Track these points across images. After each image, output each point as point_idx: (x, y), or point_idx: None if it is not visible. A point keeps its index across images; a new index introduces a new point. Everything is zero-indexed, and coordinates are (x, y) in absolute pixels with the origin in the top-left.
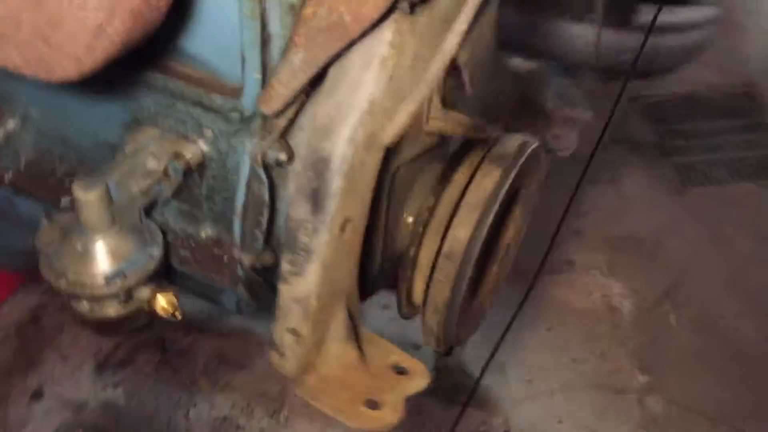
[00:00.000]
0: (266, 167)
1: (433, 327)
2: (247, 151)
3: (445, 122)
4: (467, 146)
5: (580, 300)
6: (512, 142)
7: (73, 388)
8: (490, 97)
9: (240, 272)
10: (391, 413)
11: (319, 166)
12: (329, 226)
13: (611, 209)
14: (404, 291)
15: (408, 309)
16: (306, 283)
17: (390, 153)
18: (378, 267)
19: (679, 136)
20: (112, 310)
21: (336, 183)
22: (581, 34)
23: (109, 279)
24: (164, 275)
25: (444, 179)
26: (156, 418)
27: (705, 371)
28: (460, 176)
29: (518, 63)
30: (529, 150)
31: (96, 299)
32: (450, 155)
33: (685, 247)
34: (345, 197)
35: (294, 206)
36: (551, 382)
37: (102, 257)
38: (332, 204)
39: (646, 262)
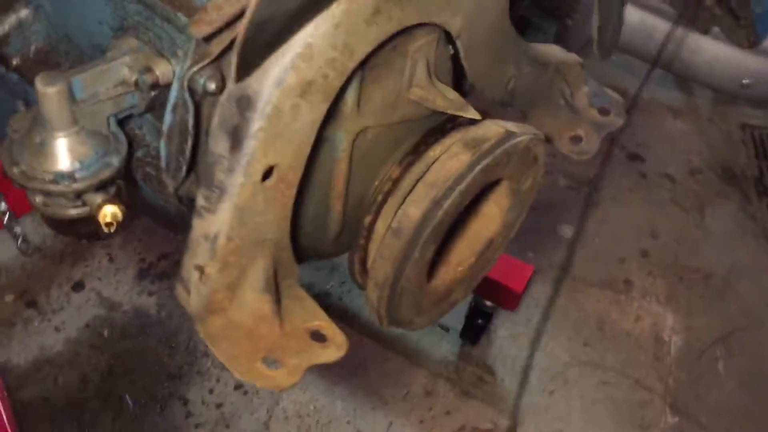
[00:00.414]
0: (193, 93)
1: (374, 302)
2: (178, 75)
3: (429, 92)
4: (449, 123)
5: (628, 323)
6: (495, 128)
7: (111, 288)
8: (496, 79)
9: (169, 198)
10: (286, 377)
11: (243, 102)
12: (245, 168)
13: (687, 238)
14: (358, 259)
15: (361, 279)
16: (217, 221)
17: (351, 111)
18: (336, 230)
19: None
20: (63, 210)
21: (256, 124)
22: (703, 48)
23: (58, 177)
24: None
25: (415, 152)
26: (179, 335)
27: (743, 427)
28: (432, 152)
29: (554, 52)
30: (515, 141)
31: (47, 195)
32: (428, 129)
33: (755, 295)
34: (268, 141)
35: (214, 140)
36: (573, 399)
37: (56, 154)
38: (250, 145)
39: (709, 301)
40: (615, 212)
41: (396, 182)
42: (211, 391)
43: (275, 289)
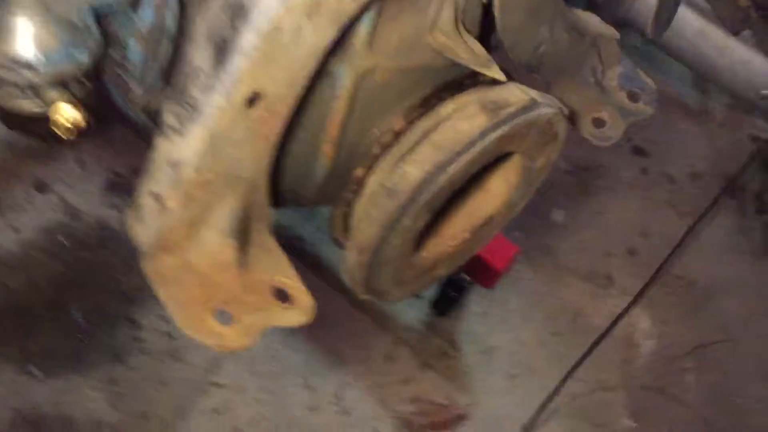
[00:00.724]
0: None
1: (351, 266)
2: None
3: (452, 41)
4: (469, 79)
5: (601, 320)
6: (518, 94)
7: (77, 195)
8: (527, 39)
9: (137, 109)
10: (237, 336)
11: (237, 11)
12: (228, 90)
13: (675, 243)
14: (341, 214)
15: (342, 237)
16: (185, 146)
17: (361, 46)
18: (321, 178)
19: None
20: (16, 102)
21: (248, 40)
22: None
23: (13, 64)
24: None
25: (424, 105)
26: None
27: None
28: (444, 109)
29: (593, 22)
30: (538, 112)
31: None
32: (443, 82)
33: (735, 311)
34: (259, 63)
35: (195, 48)
36: (534, 388)
37: (14, 37)
38: (238, 63)
39: (688, 310)
40: (610, 204)
41: (398, 135)
42: (163, 319)
43: (242, 235)
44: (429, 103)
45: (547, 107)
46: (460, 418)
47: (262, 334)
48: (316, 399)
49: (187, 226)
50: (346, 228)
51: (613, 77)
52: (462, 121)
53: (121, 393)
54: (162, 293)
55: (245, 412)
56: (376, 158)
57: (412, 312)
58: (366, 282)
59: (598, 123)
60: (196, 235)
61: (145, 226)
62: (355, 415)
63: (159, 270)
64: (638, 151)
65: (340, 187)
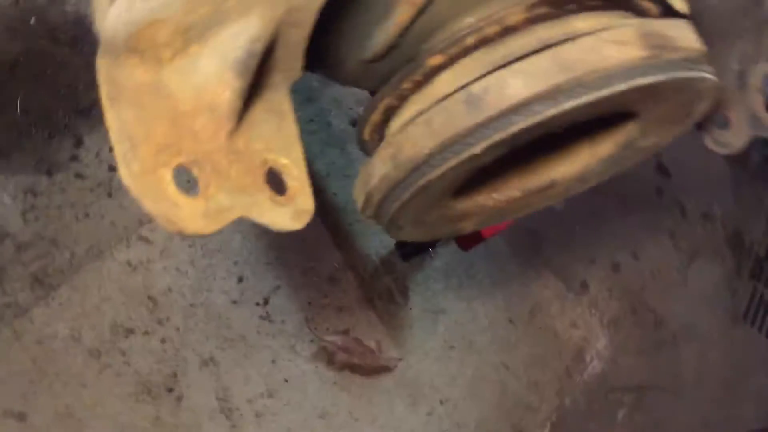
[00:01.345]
0: None
1: (372, 179)
2: None
3: None
4: None
5: (562, 324)
6: (693, 41)
7: None
8: None
9: None
10: (196, 215)
11: None
12: None
13: (663, 276)
14: (384, 108)
15: (373, 138)
16: None
17: None
18: (378, 49)
19: None
20: None
21: None
22: None
23: None
24: None
25: (554, 5)
26: None
27: None
28: (580, 21)
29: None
30: (704, 75)
31: None
32: None
33: (693, 364)
34: None
35: None
36: (467, 365)
37: None
38: None
39: (648, 347)
40: (613, 212)
41: (506, 32)
42: (112, 150)
43: (251, 77)
44: (561, 4)
45: (713, 74)
46: (384, 369)
47: (228, 222)
48: (242, 293)
49: (179, 31)
50: (383, 128)
51: (758, 74)
52: (608, 45)
53: (38, 209)
54: (111, 114)
55: (162, 278)
56: (465, 52)
57: (375, 242)
58: (381, 204)
59: (722, 122)
60: (187, 50)
61: (119, 8)
62: (277, 324)
63: (117, 78)
64: (661, 170)
65: (393, 70)
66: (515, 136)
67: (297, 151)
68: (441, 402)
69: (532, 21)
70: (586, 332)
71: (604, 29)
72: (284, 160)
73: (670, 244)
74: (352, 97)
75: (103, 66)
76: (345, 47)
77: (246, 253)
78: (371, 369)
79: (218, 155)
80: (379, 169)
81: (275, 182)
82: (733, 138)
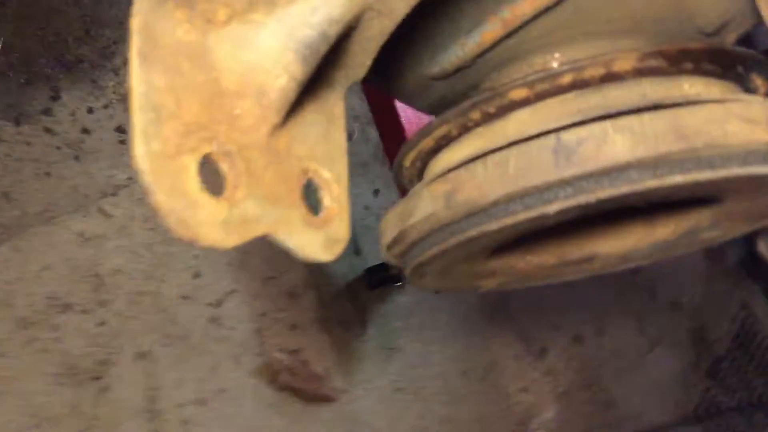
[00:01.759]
0: None
1: (410, 223)
2: None
3: None
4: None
5: (511, 385)
6: None
7: None
8: None
9: None
10: (216, 221)
11: None
12: None
13: (623, 359)
14: (434, 138)
15: (410, 169)
16: None
17: None
18: (454, 64)
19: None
20: None
21: None
22: None
23: None
24: None
25: (660, 58)
26: (105, 28)
27: None
28: (688, 84)
29: None
30: None
31: None
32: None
33: None
34: None
35: None
36: (410, 413)
37: None
38: None
39: (595, 426)
40: (586, 282)
41: (608, 77)
42: (90, 112)
43: (318, 64)
44: (676, 60)
45: None
46: (325, 399)
47: (252, 237)
48: (195, 290)
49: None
50: (430, 158)
51: None
52: (734, 120)
53: None
54: (139, 73)
55: (114, 257)
56: (556, 91)
57: (344, 265)
58: (415, 245)
59: None
60: (248, 16)
61: None
62: (225, 329)
63: (155, 31)
64: None
65: (461, 93)
66: (600, 202)
67: (342, 165)
68: None
69: (641, 72)
70: (536, 399)
71: (729, 100)
72: (327, 174)
73: (636, 327)
74: (351, 111)
75: (141, 12)
76: (412, 56)
77: (206, 252)
78: (313, 396)
79: (255, 152)
80: (426, 205)
81: (310, 195)
82: None
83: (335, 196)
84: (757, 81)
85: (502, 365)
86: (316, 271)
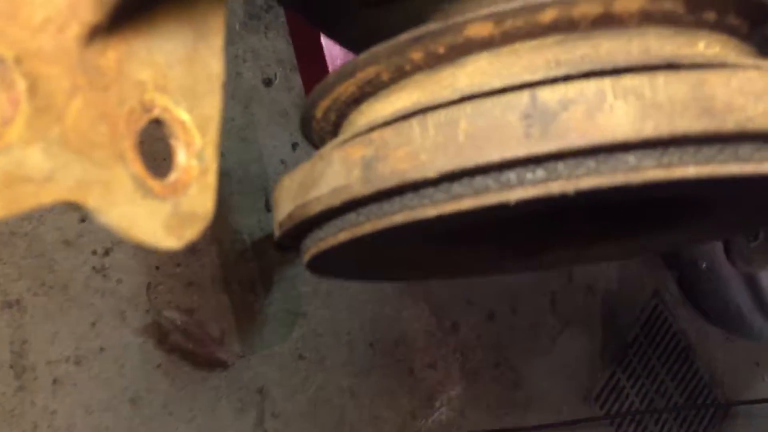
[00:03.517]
0: None
1: (320, 195)
2: None
3: None
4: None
5: (419, 361)
6: None
7: None
8: None
9: None
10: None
11: None
12: None
13: (533, 336)
14: (356, 83)
15: (323, 123)
16: None
17: None
18: None
19: None
20: None
21: None
22: None
23: None
24: None
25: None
26: None
27: None
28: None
29: None
30: None
31: None
32: None
33: None
34: None
35: None
36: (310, 384)
37: None
38: None
39: (500, 405)
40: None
41: (604, 19)
42: None
43: None
44: (698, 6)
45: None
46: (219, 364)
47: (26, 208)
48: (79, 236)
49: None
50: (351, 110)
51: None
52: (757, 97)
53: None
54: None
55: None
56: (533, 31)
57: (252, 221)
58: (316, 227)
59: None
60: None
61: None
62: (111, 281)
63: None
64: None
65: (402, 29)
66: (580, 195)
67: (212, 105)
68: (273, 415)
69: (649, 18)
70: (443, 376)
71: (737, 65)
72: (184, 115)
73: (549, 307)
74: (274, 53)
75: None
76: None
77: None
78: (205, 360)
79: (53, 67)
80: (335, 173)
81: (153, 152)
82: (757, 262)
83: (196, 150)
84: None
85: (411, 338)
86: (220, 225)
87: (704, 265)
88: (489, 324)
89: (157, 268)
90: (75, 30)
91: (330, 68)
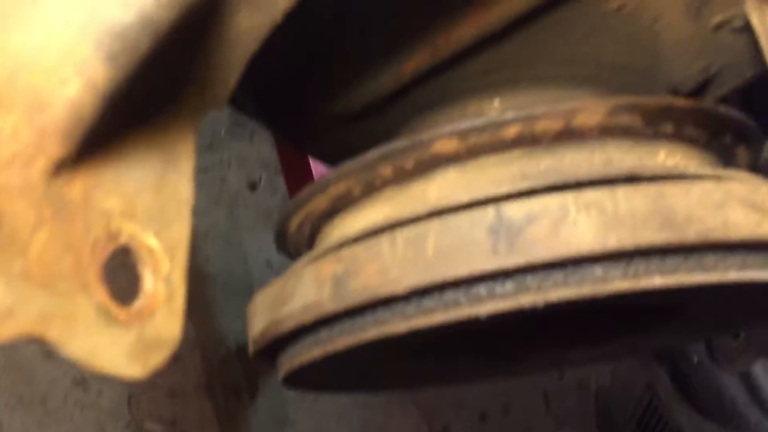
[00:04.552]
0: None
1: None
2: None
3: None
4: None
5: None
6: None
7: None
8: None
9: None
10: None
11: None
12: None
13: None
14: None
15: (297, 236)
16: None
17: None
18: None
19: None
20: None
21: None
22: None
23: None
24: None
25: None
26: None
27: None
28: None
29: None
30: None
31: None
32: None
33: None
34: None
35: None
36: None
37: None
38: None
39: None
40: None
41: (566, 134)
42: None
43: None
44: (655, 119)
45: None
46: None
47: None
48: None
49: None
50: (324, 224)
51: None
52: (737, 207)
53: None
54: None
55: None
56: (496, 147)
57: (237, 326)
58: (290, 343)
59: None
60: None
61: None
62: (92, 394)
63: None
64: None
65: (368, 144)
66: (549, 307)
67: (181, 230)
68: None
69: (608, 132)
70: None
71: (726, 178)
72: (152, 242)
73: (543, 406)
74: (259, 158)
75: None
76: (311, 86)
77: None
78: None
79: (19, 202)
80: (307, 290)
81: (119, 279)
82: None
83: (164, 275)
84: (740, 154)
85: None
86: (204, 330)
87: (696, 359)
88: (481, 426)
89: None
90: (42, 164)
91: (314, 171)
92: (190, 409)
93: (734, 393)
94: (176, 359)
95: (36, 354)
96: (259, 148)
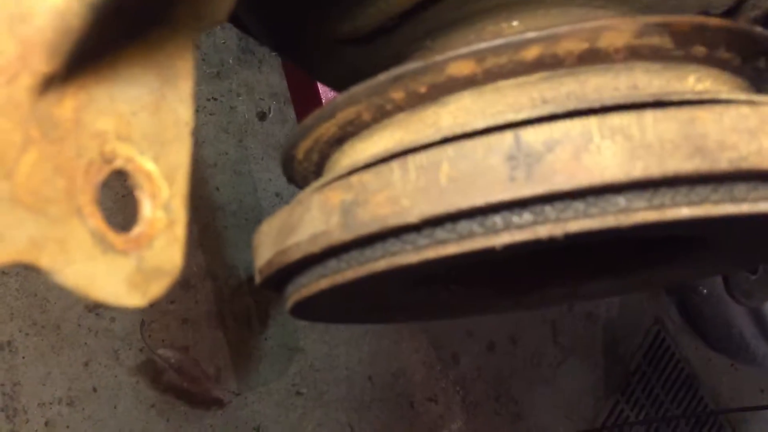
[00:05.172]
0: None
1: (299, 240)
2: None
3: None
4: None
5: (419, 394)
6: None
7: None
8: None
9: None
10: None
11: None
12: None
13: (534, 367)
14: (337, 123)
15: (304, 164)
16: None
17: None
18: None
19: None
20: None
21: None
22: None
23: None
24: None
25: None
26: None
27: None
28: (693, 77)
29: None
30: None
31: None
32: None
33: None
34: None
35: None
36: (309, 420)
37: None
38: None
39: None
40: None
41: (589, 55)
42: None
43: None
44: (686, 41)
45: None
46: (215, 402)
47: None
48: None
49: None
50: (333, 150)
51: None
52: (751, 135)
53: None
54: None
55: None
56: (516, 69)
57: (247, 255)
58: (287, 280)
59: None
60: None
61: None
62: (104, 320)
63: None
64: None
65: (382, 67)
66: (569, 238)
67: (180, 153)
68: None
69: (636, 54)
70: (444, 409)
71: (762, 103)
72: (149, 165)
73: (550, 337)
74: (268, 87)
75: None
76: (315, 4)
77: None
78: (200, 399)
79: (6, 119)
80: (314, 219)
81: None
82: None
83: (163, 201)
84: None
85: (410, 372)
86: (215, 259)
87: (705, 291)
88: (489, 355)
89: (151, 305)
90: (27, 80)
91: (323, 100)
92: (201, 336)
93: (742, 325)
94: (188, 287)
95: (48, 281)
96: (269, 77)
